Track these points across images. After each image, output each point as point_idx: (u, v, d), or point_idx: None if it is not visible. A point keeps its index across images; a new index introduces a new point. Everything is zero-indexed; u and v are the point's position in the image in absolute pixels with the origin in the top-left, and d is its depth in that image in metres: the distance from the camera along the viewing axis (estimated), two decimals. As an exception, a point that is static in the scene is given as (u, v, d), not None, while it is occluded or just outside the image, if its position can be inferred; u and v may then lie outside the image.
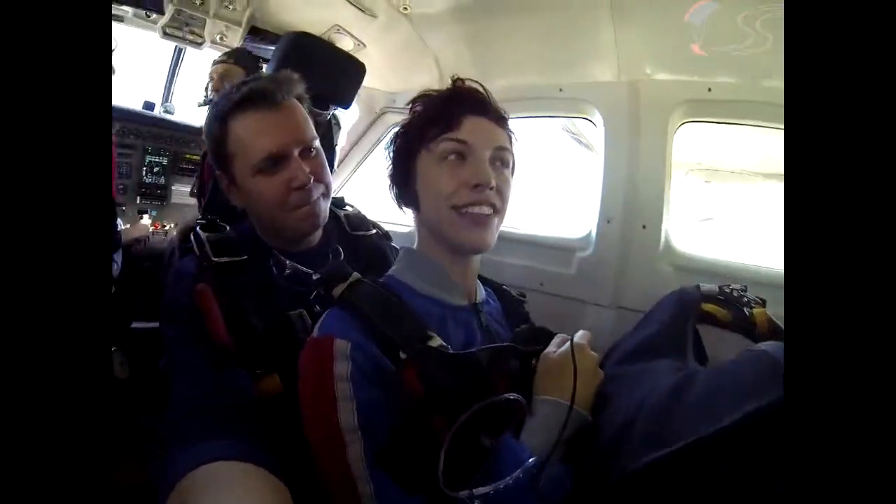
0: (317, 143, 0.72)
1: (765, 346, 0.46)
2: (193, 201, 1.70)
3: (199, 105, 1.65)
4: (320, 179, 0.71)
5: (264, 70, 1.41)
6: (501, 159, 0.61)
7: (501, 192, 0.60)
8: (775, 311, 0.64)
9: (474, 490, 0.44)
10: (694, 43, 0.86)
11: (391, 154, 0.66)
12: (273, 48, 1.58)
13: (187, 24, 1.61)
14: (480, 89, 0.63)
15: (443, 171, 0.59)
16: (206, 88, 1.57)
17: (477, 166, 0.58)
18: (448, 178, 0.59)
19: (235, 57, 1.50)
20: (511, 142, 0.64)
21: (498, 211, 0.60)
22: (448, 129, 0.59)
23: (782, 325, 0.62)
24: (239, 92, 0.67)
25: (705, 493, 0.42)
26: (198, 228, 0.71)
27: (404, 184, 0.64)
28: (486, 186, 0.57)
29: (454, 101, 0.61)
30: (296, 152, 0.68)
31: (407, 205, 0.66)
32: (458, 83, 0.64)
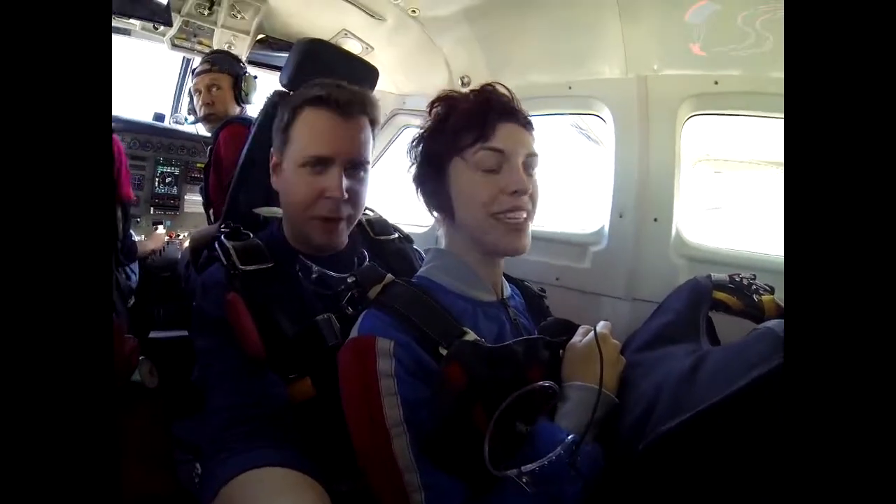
0: (367, 167, 0.73)
1: (769, 323, 0.49)
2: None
3: (189, 122, 1.61)
4: (354, 202, 0.71)
5: (278, 78, 1.44)
6: (532, 165, 0.63)
7: (533, 197, 0.62)
8: (783, 297, 0.66)
9: (522, 468, 0.47)
10: (695, 42, 0.88)
11: (417, 158, 0.67)
12: (280, 55, 1.60)
13: (195, 35, 1.63)
14: (509, 94, 0.64)
15: (479, 179, 0.60)
16: (192, 102, 1.51)
17: (514, 174, 0.60)
18: (485, 186, 0.60)
19: (218, 64, 1.46)
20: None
21: (530, 214, 0.63)
22: (483, 137, 0.60)
23: None
24: (322, 88, 0.70)
25: (723, 461, 0.44)
26: (222, 237, 0.72)
27: (436, 189, 0.65)
28: (524, 193, 0.60)
29: (487, 108, 0.61)
30: (342, 166, 0.69)
31: (438, 210, 0.66)
32: (487, 88, 0.64)
